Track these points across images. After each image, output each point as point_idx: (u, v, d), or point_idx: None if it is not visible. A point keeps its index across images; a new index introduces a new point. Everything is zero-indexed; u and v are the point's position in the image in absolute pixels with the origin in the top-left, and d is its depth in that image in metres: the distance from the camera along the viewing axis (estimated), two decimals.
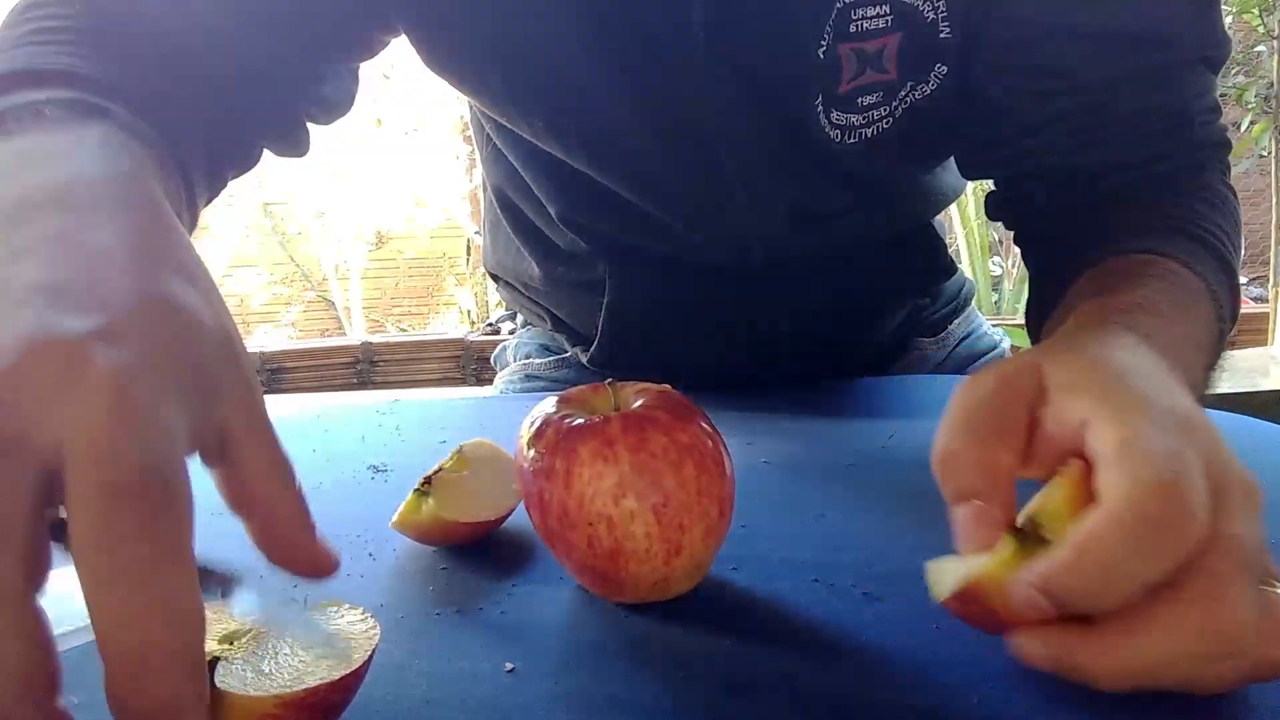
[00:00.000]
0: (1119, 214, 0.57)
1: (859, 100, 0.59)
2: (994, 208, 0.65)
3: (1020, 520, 0.31)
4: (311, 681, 0.28)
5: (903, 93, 0.59)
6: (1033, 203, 0.62)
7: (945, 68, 0.58)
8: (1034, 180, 0.61)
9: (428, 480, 0.45)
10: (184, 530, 0.24)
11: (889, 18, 0.56)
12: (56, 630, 0.38)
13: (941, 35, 0.57)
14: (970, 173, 0.68)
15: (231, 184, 0.58)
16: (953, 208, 3.34)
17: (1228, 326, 0.51)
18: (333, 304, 5.30)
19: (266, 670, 0.29)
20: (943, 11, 0.56)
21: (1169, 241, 0.51)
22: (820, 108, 0.59)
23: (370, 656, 0.30)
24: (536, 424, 0.39)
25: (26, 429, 0.23)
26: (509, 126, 0.69)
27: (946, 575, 0.32)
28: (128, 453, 0.23)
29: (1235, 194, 0.60)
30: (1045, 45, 0.56)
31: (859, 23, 0.56)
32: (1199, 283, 0.49)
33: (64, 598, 0.40)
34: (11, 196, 0.31)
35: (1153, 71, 0.56)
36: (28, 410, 0.23)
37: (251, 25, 0.55)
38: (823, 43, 0.57)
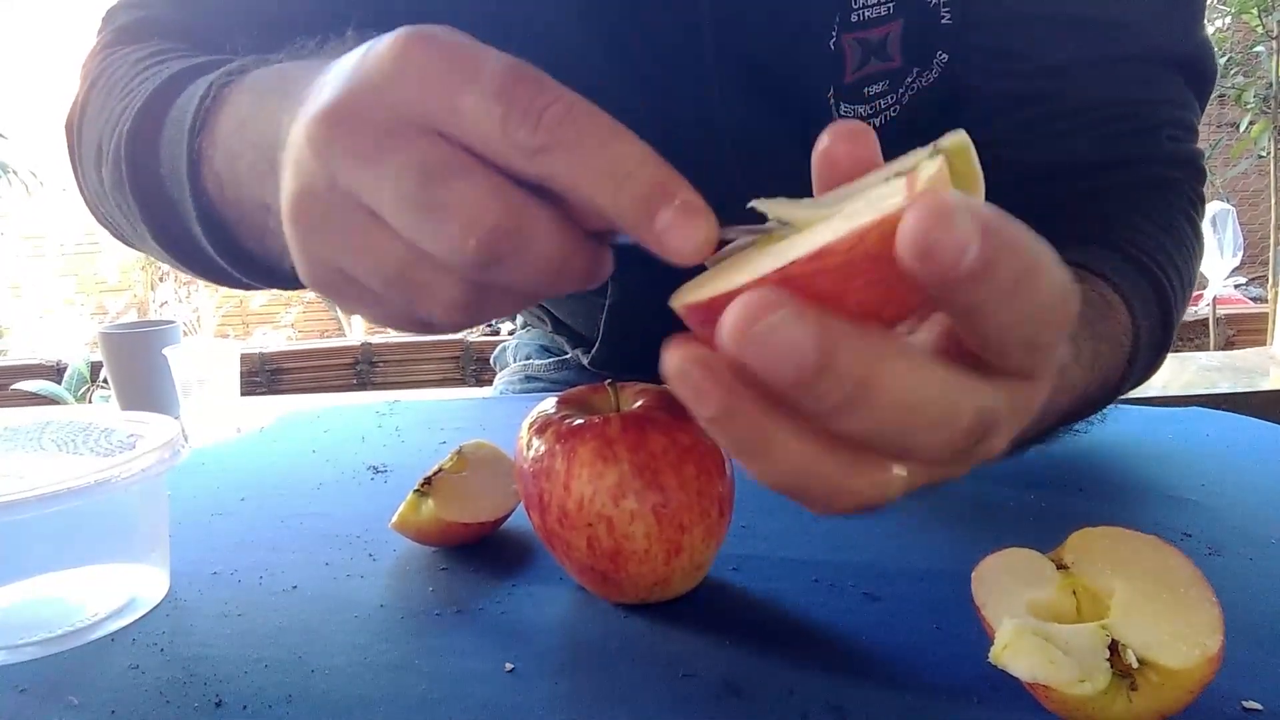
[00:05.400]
0: (1068, 223, 0.55)
1: (865, 90, 0.59)
2: None
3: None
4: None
5: (909, 79, 0.59)
6: (996, 201, 0.60)
7: (946, 55, 0.58)
8: (999, 177, 0.60)
9: (427, 481, 0.45)
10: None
11: (890, 5, 0.55)
12: (56, 631, 0.38)
13: (943, 21, 0.57)
14: None
15: None
16: None
17: (1143, 357, 0.50)
18: (332, 305, 5.32)
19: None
20: None
21: (1106, 261, 0.50)
22: (833, 101, 0.59)
23: None
24: (536, 424, 0.39)
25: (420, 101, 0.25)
26: None
27: (1024, 653, 0.29)
28: (518, 67, 0.25)
29: (1197, 230, 0.57)
30: (1002, 27, 0.56)
31: (860, 11, 0.55)
32: (1123, 312, 0.48)
33: (63, 598, 0.40)
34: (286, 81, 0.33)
35: (1112, 62, 0.55)
36: (416, 89, 0.25)
37: (249, 33, 0.55)
38: (832, 34, 0.56)
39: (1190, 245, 0.56)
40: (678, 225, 0.24)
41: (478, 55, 0.25)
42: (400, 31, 0.26)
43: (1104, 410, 0.53)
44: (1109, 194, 0.56)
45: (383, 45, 0.26)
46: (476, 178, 0.25)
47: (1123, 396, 0.54)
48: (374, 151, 0.25)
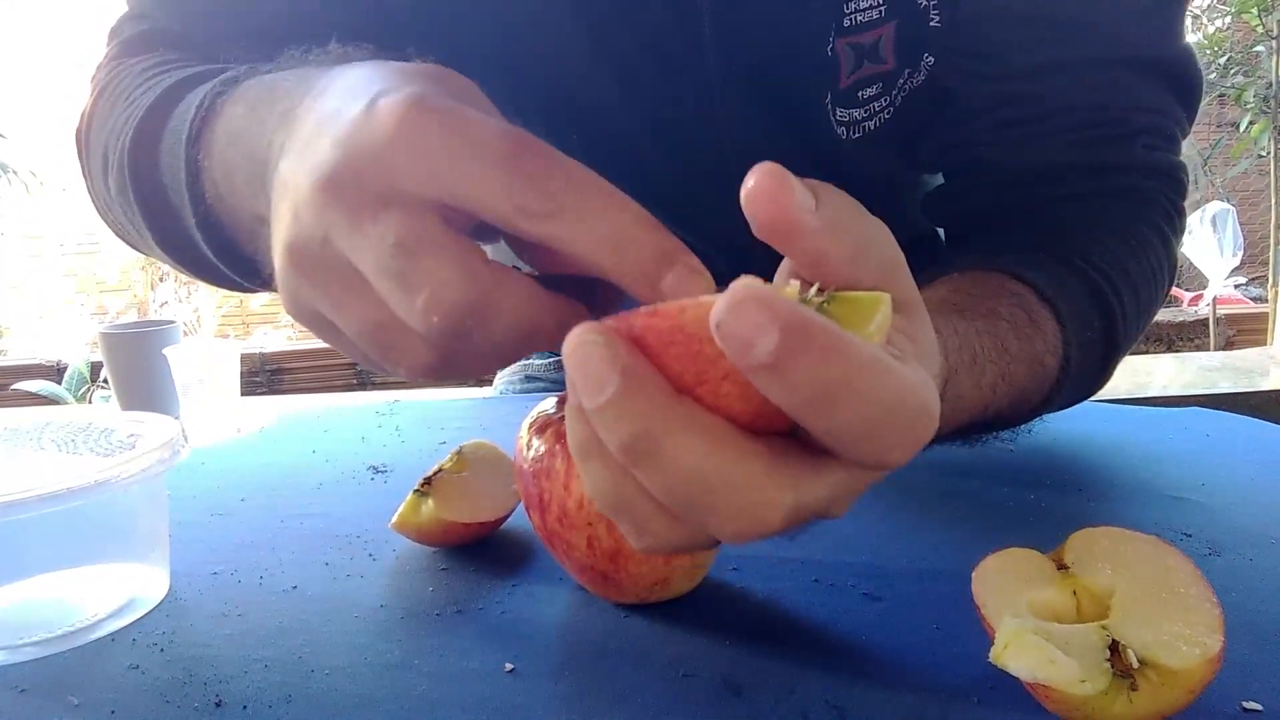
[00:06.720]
0: (1025, 230, 0.55)
1: (859, 94, 0.59)
2: (932, 205, 0.63)
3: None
4: None
5: (900, 81, 0.59)
6: (969, 203, 0.60)
7: (932, 58, 0.58)
8: (975, 178, 0.60)
9: (427, 481, 0.45)
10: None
11: (882, 8, 0.55)
12: (56, 631, 0.38)
13: (931, 23, 0.56)
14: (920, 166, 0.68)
15: None
16: None
17: (1076, 374, 0.50)
18: None
19: None
20: None
21: (1046, 273, 0.50)
22: (830, 105, 0.59)
23: None
24: (536, 424, 0.39)
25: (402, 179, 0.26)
26: None
27: (1024, 653, 0.29)
28: (491, 122, 0.26)
29: (1168, 243, 0.57)
30: (981, 28, 0.56)
31: (852, 16, 0.55)
32: (1051, 328, 0.48)
33: (64, 598, 0.40)
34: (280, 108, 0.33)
35: (1088, 65, 0.55)
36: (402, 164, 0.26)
37: (251, 42, 0.55)
38: (828, 40, 0.56)
39: (1156, 258, 0.55)
40: (683, 288, 0.26)
41: (478, 124, 0.26)
42: (400, 97, 0.26)
43: (1028, 424, 0.53)
44: (1076, 201, 0.56)
45: (383, 112, 0.26)
46: (446, 255, 0.25)
47: (1080, 403, 0.54)
48: (367, 219, 0.26)
